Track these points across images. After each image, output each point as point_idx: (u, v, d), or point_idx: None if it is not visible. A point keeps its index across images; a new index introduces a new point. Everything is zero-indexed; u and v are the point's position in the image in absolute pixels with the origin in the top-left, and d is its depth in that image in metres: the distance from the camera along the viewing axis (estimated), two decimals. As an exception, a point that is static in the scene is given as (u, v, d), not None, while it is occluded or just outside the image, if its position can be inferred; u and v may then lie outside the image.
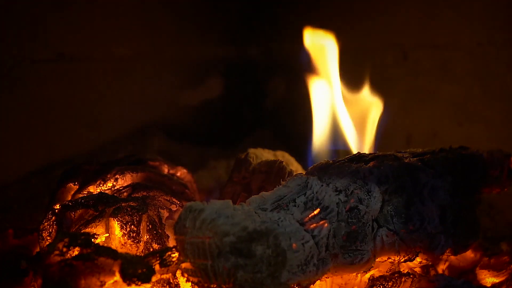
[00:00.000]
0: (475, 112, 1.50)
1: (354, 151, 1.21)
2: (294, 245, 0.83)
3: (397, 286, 0.96)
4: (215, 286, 0.81)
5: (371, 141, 1.22)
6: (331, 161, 0.99)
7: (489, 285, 1.06)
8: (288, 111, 1.90)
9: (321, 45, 1.29)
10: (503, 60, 1.43)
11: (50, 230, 1.00)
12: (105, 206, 0.99)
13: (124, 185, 1.09)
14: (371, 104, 1.24)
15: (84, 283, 0.83)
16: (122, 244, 0.97)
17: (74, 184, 1.10)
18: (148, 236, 0.99)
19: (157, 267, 0.86)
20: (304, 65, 1.31)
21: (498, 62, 1.44)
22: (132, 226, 0.98)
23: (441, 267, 1.08)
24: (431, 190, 0.95)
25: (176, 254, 0.87)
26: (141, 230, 0.98)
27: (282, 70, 1.95)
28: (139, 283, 0.83)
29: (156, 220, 1.02)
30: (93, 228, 0.97)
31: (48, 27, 1.50)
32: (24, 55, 1.46)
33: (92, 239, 0.88)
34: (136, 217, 0.99)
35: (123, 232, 0.97)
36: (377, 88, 1.69)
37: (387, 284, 0.96)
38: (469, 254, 1.11)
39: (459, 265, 1.11)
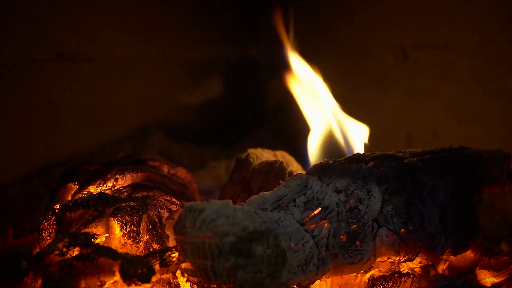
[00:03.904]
0: (475, 112, 1.50)
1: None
2: (294, 245, 0.83)
3: (397, 286, 0.96)
4: (215, 286, 0.81)
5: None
6: (331, 161, 0.99)
7: (489, 285, 1.06)
8: (288, 111, 1.90)
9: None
10: (503, 60, 1.43)
11: (50, 230, 1.00)
12: (105, 206, 0.99)
13: (124, 185, 1.09)
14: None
15: (84, 283, 0.83)
16: (122, 244, 0.97)
17: (74, 184, 1.10)
18: (148, 236, 0.99)
19: (157, 267, 0.86)
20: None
21: (498, 62, 1.44)
22: (132, 226, 0.98)
23: (441, 267, 1.08)
24: (431, 190, 0.95)
25: (176, 254, 0.87)
26: (141, 230, 0.98)
27: (282, 70, 1.95)
28: (139, 283, 0.83)
29: (156, 220, 1.02)
30: (93, 228, 0.97)
31: (48, 27, 1.50)
32: (24, 55, 1.46)
33: (92, 239, 0.88)
34: (136, 217, 0.99)
35: (123, 232, 0.97)
36: (377, 88, 1.69)
37: (387, 284, 0.96)
38: (469, 254, 1.11)
39: (459, 265, 1.11)
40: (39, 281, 0.90)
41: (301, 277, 0.84)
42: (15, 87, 1.46)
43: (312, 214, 0.88)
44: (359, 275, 0.99)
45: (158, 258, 0.87)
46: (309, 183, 0.91)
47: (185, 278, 0.84)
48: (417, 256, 0.96)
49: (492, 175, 1.04)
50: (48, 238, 1.00)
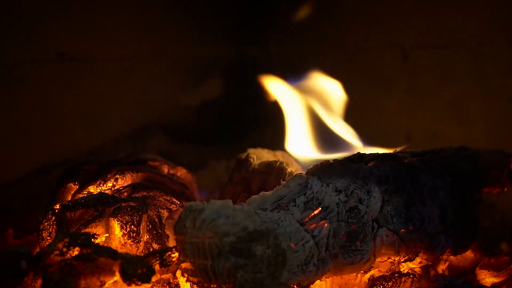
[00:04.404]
0: (475, 112, 1.50)
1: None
2: (294, 245, 0.83)
3: (397, 286, 0.96)
4: (215, 286, 0.81)
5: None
6: (331, 161, 0.99)
7: (489, 285, 1.06)
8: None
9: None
10: (503, 60, 1.43)
11: (50, 230, 1.00)
12: (105, 206, 0.99)
13: (124, 185, 1.09)
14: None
15: (84, 283, 0.83)
16: (122, 244, 0.97)
17: (74, 184, 1.10)
18: (148, 236, 0.99)
19: (157, 267, 0.86)
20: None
21: (498, 62, 1.44)
22: (132, 226, 0.98)
23: (441, 267, 1.08)
24: (431, 190, 0.95)
25: (176, 254, 0.87)
26: (141, 230, 0.98)
27: (282, 70, 1.95)
28: (139, 283, 0.83)
29: (156, 220, 1.02)
30: (93, 228, 0.97)
31: (48, 27, 1.50)
32: (24, 55, 1.46)
33: (92, 239, 0.88)
34: (136, 217, 0.99)
35: (123, 232, 0.97)
36: (377, 88, 1.69)
37: (387, 284, 0.96)
38: (469, 254, 1.11)
39: (459, 265, 1.11)
40: (39, 281, 0.90)
41: (301, 277, 0.84)
42: (15, 87, 1.46)
43: (312, 214, 0.88)
44: (359, 275, 0.99)
45: (158, 258, 0.87)
46: (309, 183, 0.91)
47: (185, 278, 0.84)
48: (417, 256, 0.96)
49: (492, 175, 1.05)
50: (48, 238, 1.00)
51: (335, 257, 0.88)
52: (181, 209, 0.91)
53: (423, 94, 1.60)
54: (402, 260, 0.97)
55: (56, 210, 1.01)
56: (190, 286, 0.89)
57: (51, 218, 1.00)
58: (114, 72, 1.67)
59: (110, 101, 1.67)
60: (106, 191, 1.07)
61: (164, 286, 0.93)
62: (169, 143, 1.79)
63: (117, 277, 0.84)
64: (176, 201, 1.07)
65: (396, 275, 0.97)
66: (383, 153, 1.01)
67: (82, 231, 0.95)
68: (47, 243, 0.98)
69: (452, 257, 1.06)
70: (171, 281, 0.93)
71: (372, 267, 0.94)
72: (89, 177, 1.10)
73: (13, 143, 1.46)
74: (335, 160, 0.99)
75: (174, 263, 0.87)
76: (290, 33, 1.90)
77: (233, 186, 1.16)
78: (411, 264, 1.01)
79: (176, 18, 1.80)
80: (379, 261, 0.97)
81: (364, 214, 0.91)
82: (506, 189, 1.09)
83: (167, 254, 0.87)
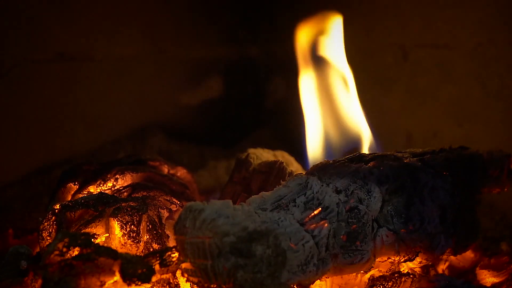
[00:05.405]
0: (475, 112, 1.50)
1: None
2: (294, 245, 0.83)
3: (397, 286, 0.96)
4: (215, 286, 0.81)
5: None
6: (331, 161, 0.99)
7: (489, 285, 1.06)
8: (288, 111, 1.90)
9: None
10: (503, 60, 1.43)
11: (50, 230, 1.00)
12: (105, 206, 0.99)
13: (124, 185, 1.09)
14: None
15: (84, 283, 0.83)
16: (122, 244, 0.97)
17: (74, 184, 1.10)
18: (148, 236, 0.99)
19: (157, 267, 0.86)
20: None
21: (498, 62, 1.43)
22: (132, 226, 0.98)
23: (441, 267, 1.08)
24: (431, 190, 0.95)
25: (176, 254, 0.87)
26: (141, 230, 0.98)
27: (282, 70, 1.95)
28: (139, 283, 0.83)
29: (156, 220, 1.02)
30: (93, 228, 0.97)
31: (48, 27, 1.50)
32: (24, 55, 1.46)
33: (92, 239, 0.88)
34: (136, 217, 0.99)
35: (123, 232, 0.97)
36: (377, 88, 1.69)
37: (387, 284, 0.96)
38: (469, 254, 1.11)
39: (459, 265, 1.11)
40: (39, 281, 0.90)
41: (301, 277, 0.84)
42: (15, 87, 1.46)
43: (312, 214, 0.88)
44: (359, 275, 0.99)
45: (158, 258, 0.87)
46: (309, 183, 0.91)
47: (185, 278, 0.84)
48: (417, 256, 0.96)
49: (492, 175, 1.05)
50: (48, 238, 1.00)
51: (335, 257, 0.88)
52: (181, 209, 0.91)
53: (423, 94, 1.60)
54: (402, 260, 0.97)
55: (56, 210, 1.01)
56: (190, 286, 0.89)
57: (51, 218, 1.00)
58: (114, 72, 1.67)
59: (110, 101, 1.68)
60: (106, 191, 1.07)
61: (164, 286, 0.93)
62: (169, 143, 1.79)
63: (117, 277, 0.84)
64: (176, 201, 1.07)
65: (396, 275, 0.97)
66: (383, 153, 1.01)
67: (82, 231, 0.95)
68: (47, 243, 0.98)
69: (452, 257, 1.06)
70: (171, 281, 0.93)
71: (372, 267, 0.94)
72: (89, 177, 1.10)
73: (13, 143, 1.47)
74: (335, 160, 0.99)
75: (174, 263, 0.87)
76: (290, 33, 1.90)
77: (233, 186, 1.16)
78: (411, 264, 1.01)
79: (176, 18, 1.80)
80: (379, 261, 0.97)
81: (364, 214, 0.91)
82: (506, 189, 1.09)
83: (167, 254, 0.87)
